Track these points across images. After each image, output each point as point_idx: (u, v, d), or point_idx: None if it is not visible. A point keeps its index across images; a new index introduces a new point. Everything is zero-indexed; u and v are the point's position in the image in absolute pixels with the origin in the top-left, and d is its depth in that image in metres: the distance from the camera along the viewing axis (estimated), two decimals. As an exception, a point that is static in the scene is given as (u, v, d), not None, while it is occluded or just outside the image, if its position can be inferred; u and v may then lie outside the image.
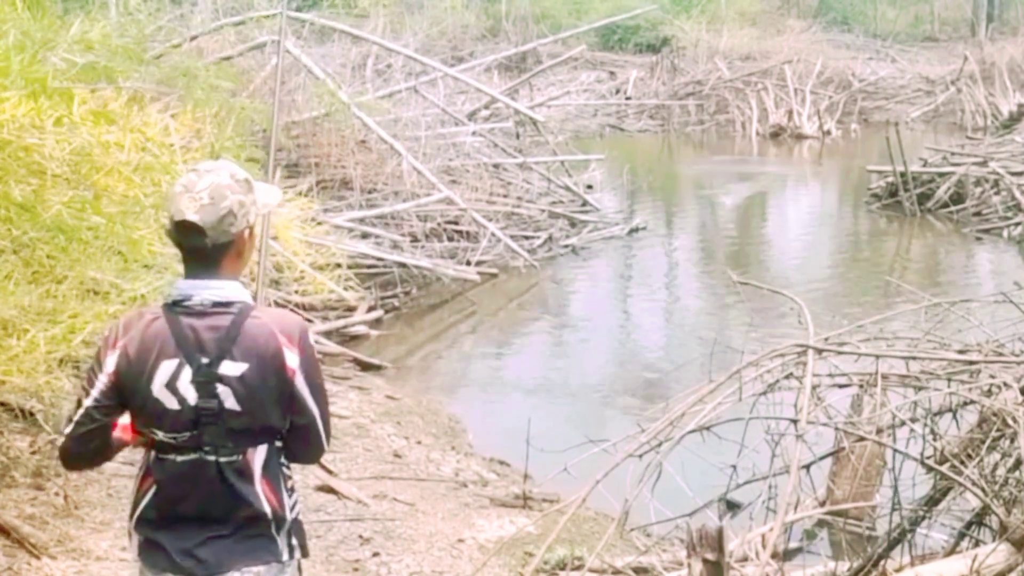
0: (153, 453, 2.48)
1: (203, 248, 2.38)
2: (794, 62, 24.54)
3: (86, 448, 2.53)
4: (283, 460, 2.50)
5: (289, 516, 2.49)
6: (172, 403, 2.38)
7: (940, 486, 4.22)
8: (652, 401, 7.23)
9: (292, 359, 2.39)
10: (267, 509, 2.44)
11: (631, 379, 8.86)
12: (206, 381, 2.36)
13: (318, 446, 2.53)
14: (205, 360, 2.36)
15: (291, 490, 2.52)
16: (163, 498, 2.48)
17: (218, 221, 2.35)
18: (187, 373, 2.37)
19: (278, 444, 2.48)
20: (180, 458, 2.42)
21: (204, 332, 2.37)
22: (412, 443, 6.96)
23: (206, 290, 2.39)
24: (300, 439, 2.50)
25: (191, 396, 2.37)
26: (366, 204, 11.17)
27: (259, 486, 2.43)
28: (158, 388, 2.38)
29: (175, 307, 2.40)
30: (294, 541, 2.51)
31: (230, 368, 2.36)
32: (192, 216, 2.34)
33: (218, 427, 2.38)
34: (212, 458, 2.40)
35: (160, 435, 2.42)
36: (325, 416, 2.50)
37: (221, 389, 2.36)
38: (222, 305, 2.39)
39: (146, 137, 4.45)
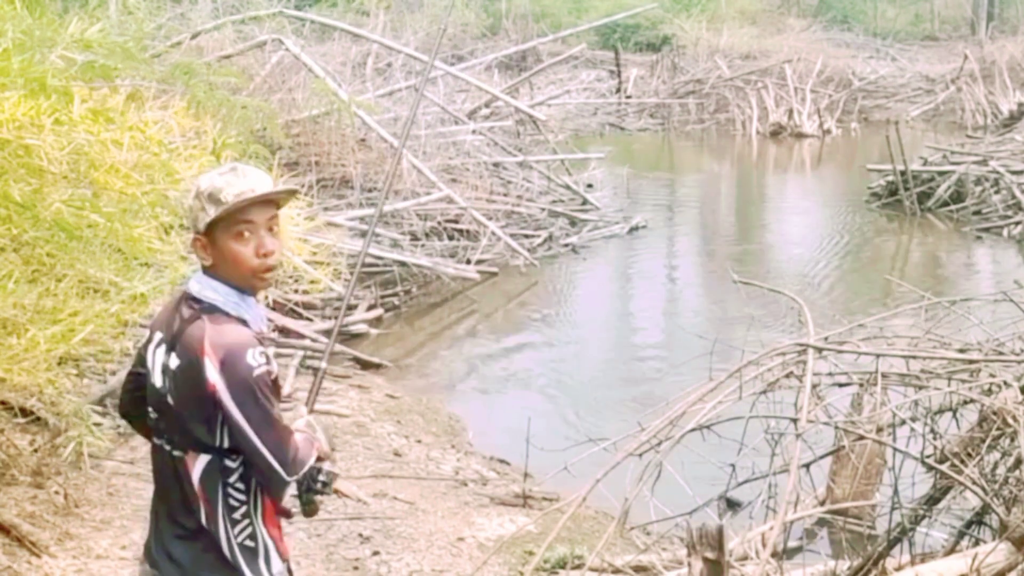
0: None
1: None
2: (794, 61, 24.54)
3: (130, 406, 2.66)
4: (235, 483, 2.41)
5: (225, 537, 2.40)
6: (153, 378, 2.46)
7: (940, 485, 4.22)
8: (652, 400, 7.23)
9: (212, 373, 2.31)
10: (202, 518, 2.41)
11: (631, 378, 8.86)
12: (165, 367, 2.41)
13: (275, 479, 2.37)
14: (166, 345, 2.42)
15: (235, 519, 2.41)
16: (154, 478, 2.55)
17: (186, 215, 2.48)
18: (162, 352, 2.43)
19: (228, 463, 2.39)
20: (155, 440, 2.50)
21: (176, 320, 2.42)
22: (412, 442, 6.96)
23: (193, 281, 2.46)
24: (254, 467, 2.39)
25: (157, 378, 2.44)
26: (366, 202, 11.17)
27: (197, 493, 2.40)
28: (149, 360, 2.47)
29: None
30: (243, 568, 2.42)
31: (171, 361, 2.40)
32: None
33: (167, 417, 2.43)
34: (168, 448, 2.45)
35: (149, 408, 2.50)
36: (271, 443, 2.34)
37: (168, 380, 2.41)
38: (193, 299, 2.42)
39: (145, 135, 4.45)
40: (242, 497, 2.44)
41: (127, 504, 5.05)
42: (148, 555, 2.50)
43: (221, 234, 2.40)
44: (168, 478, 2.45)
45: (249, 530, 2.46)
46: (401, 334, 9.73)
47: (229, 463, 2.42)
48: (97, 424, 5.13)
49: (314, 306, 9.23)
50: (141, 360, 2.54)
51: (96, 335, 4.20)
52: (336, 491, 2.76)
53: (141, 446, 5.68)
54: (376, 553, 5.07)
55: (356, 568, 4.92)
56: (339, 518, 5.39)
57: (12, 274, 3.98)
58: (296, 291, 8.72)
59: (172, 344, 2.39)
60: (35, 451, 5.13)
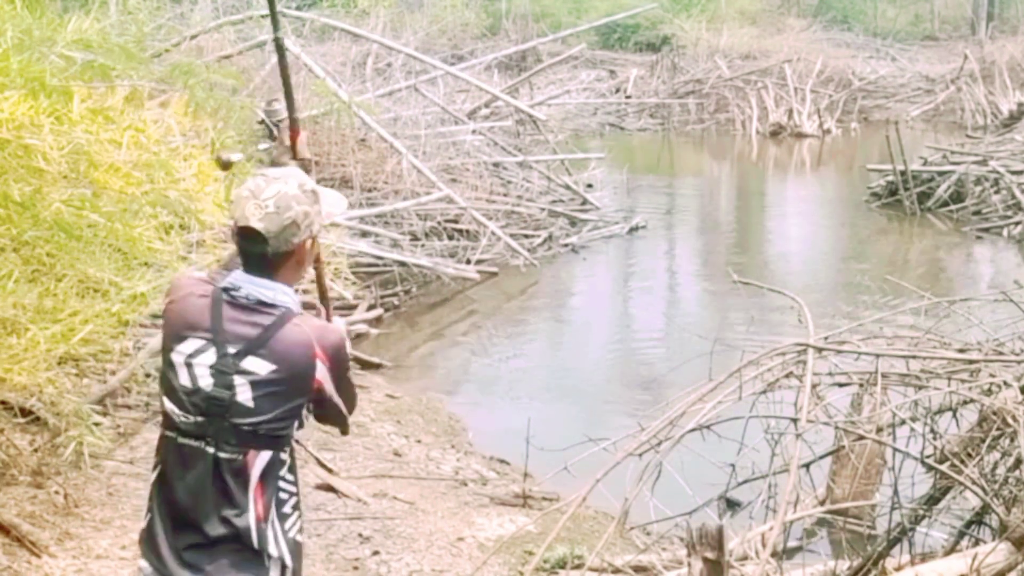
0: (162, 427, 2.48)
1: (263, 255, 2.40)
2: (794, 61, 24.53)
3: None
4: (285, 475, 2.45)
5: (273, 534, 2.42)
6: (185, 379, 2.39)
7: (940, 485, 4.22)
8: (652, 400, 7.23)
9: (321, 371, 2.42)
10: (251, 518, 2.39)
11: (631, 378, 8.86)
12: (225, 371, 2.36)
13: (342, 423, 2.63)
14: (232, 350, 2.36)
15: (284, 513, 2.45)
16: (164, 478, 2.46)
17: (280, 230, 2.37)
18: (210, 357, 2.37)
19: (282, 456, 2.44)
20: (182, 440, 2.41)
21: (241, 325, 2.38)
22: (412, 441, 6.97)
23: (255, 287, 2.41)
24: (324, 417, 2.58)
25: (205, 381, 2.37)
26: (366, 203, 11.17)
27: (252, 492, 2.39)
28: (178, 359, 2.40)
29: (225, 292, 2.42)
30: (288, 563, 2.45)
31: (255, 365, 2.36)
32: (256, 223, 2.35)
33: (224, 420, 2.36)
34: (211, 451, 2.38)
35: (168, 405, 2.43)
36: (350, 403, 2.57)
37: (239, 382, 2.36)
38: (266, 305, 2.41)
39: (144, 135, 4.45)
40: (292, 489, 2.48)
41: (127, 504, 5.05)
42: (155, 557, 2.44)
43: (317, 237, 2.50)
44: (200, 476, 2.38)
45: (299, 523, 2.50)
46: (401, 334, 9.73)
47: (283, 455, 2.45)
48: (97, 424, 5.12)
49: (313, 306, 9.22)
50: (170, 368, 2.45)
51: (96, 335, 4.21)
52: (336, 490, 2.81)
53: (141, 446, 5.68)
54: (376, 553, 5.07)
55: (356, 568, 4.92)
56: (339, 518, 5.39)
57: (12, 274, 3.98)
58: (295, 291, 8.71)
59: (252, 350, 2.36)
60: (35, 451, 5.13)
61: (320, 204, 2.46)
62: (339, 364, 2.46)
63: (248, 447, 2.39)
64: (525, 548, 5.14)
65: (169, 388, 2.43)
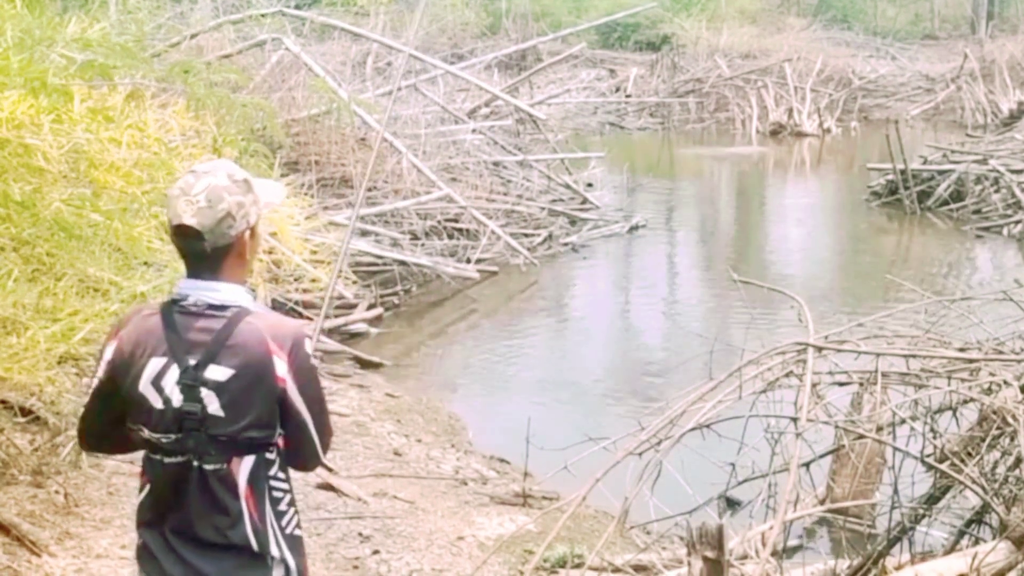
0: (145, 451, 2.46)
1: (203, 251, 2.34)
2: (794, 60, 24.56)
3: (95, 433, 2.58)
4: (276, 474, 2.43)
5: (273, 535, 2.41)
6: (156, 401, 2.36)
7: (940, 484, 4.22)
8: (652, 399, 7.23)
9: (281, 367, 2.33)
10: (247, 523, 2.38)
11: (631, 377, 8.86)
12: (191, 384, 2.33)
13: (312, 454, 2.48)
14: (192, 362, 2.33)
15: (280, 511, 2.43)
16: (154, 499, 2.44)
17: (216, 224, 2.31)
18: (174, 373, 2.34)
19: (268, 456, 2.41)
20: (167, 460, 2.39)
21: (195, 333, 2.34)
22: (412, 441, 6.97)
23: (202, 291, 2.36)
24: (293, 445, 2.46)
25: (175, 398, 2.34)
26: (366, 202, 11.16)
27: (243, 499, 2.37)
28: (144, 384, 2.36)
29: (173, 305, 2.38)
30: (290, 563, 2.44)
31: (216, 372, 2.32)
32: (189, 220, 2.30)
33: (201, 433, 2.34)
34: (196, 464, 2.36)
35: (146, 433, 2.39)
36: (320, 426, 2.45)
37: (205, 393, 2.32)
38: (216, 308, 2.35)
39: (144, 134, 4.44)
40: (284, 486, 2.46)
41: (127, 503, 5.04)
42: (156, 570, 2.43)
43: (255, 228, 2.43)
44: (191, 490, 2.37)
45: (296, 518, 2.48)
46: (401, 333, 9.73)
47: (269, 456, 2.42)
48: (97, 423, 5.12)
49: (314, 305, 9.23)
50: (116, 393, 2.42)
51: (96, 334, 4.19)
52: (336, 490, 2.77)
53: (141, 445, 5.68)
54: (376, 552, 5.07)
55: (356, 567, 4.92)
56: (339, 517, 5.39)
57: (12, 273, 3.98)
58: (296, 290, 8.72)
59: (210, 358, 2.32)
60: (35, 450, 5.13)
61: (254, 193, 2.40)
62: (299, 362, 2.36)
63: (230, 455, 2.36)
64: (525, 547, 5.14)
65: (143, 417, 2.39)
